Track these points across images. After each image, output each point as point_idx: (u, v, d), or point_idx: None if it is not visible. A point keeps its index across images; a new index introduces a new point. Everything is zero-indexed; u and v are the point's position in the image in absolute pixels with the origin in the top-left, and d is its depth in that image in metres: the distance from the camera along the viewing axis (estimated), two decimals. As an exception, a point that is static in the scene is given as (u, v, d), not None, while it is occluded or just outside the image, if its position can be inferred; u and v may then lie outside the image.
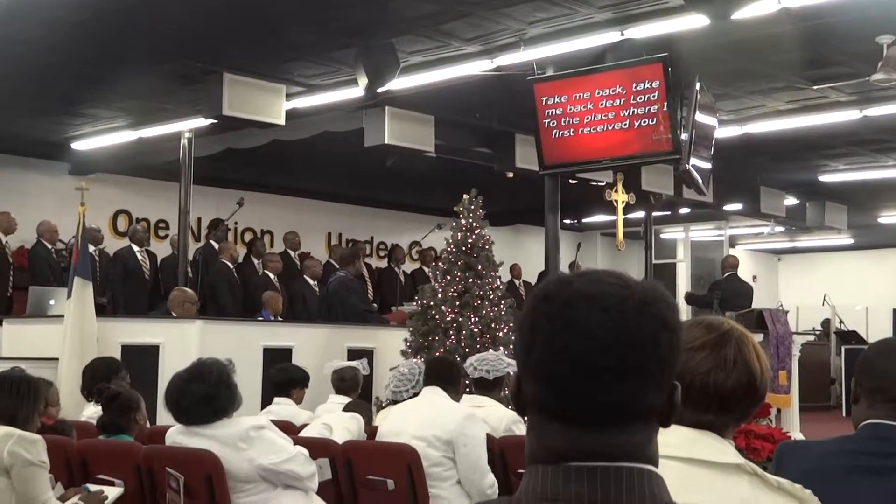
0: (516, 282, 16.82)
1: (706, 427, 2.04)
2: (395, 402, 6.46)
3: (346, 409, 6.35)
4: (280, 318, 11.49)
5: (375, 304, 13.41)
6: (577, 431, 1.33)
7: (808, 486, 2.01)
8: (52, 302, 10.63)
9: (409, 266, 17.06)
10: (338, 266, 12.44)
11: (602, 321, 1.33)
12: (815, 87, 10.98)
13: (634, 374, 1.33)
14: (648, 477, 1.34)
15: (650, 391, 1.35)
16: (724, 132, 11.60)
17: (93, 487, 4.57)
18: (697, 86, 9.57)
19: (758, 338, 10.80)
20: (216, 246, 13.63)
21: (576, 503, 1.30)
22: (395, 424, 5.42)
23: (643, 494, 1.32)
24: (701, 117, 9.69)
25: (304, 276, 13.34)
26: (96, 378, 6.46)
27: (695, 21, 8.40)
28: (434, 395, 5.44)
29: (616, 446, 1.33)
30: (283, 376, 7.34)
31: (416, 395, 6.13)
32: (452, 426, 5.14)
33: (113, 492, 4.62)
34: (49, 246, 12.91)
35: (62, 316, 9.20)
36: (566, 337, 1.33)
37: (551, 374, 1.34)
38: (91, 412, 6.24)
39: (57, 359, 8.88)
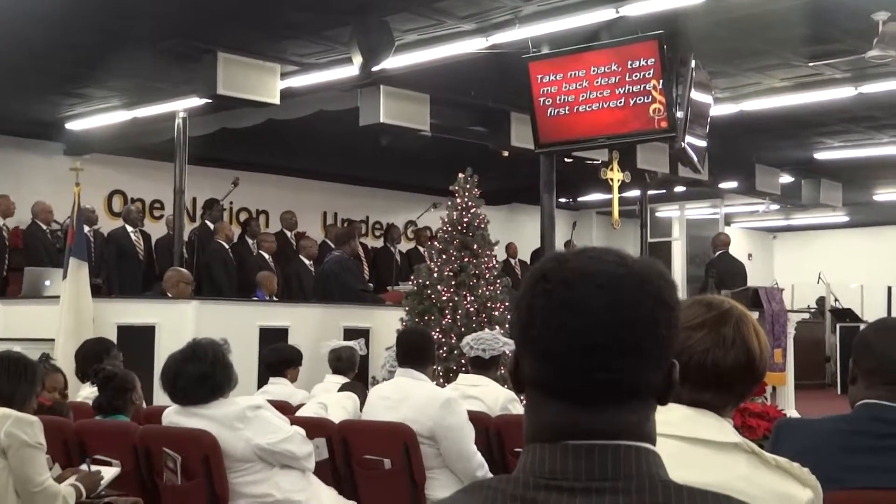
0: (512, 261, 16.81)
1: (704, 406, 2.04)
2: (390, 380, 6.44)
3: (342, 390, 6.34)
4: (275, 298, 11.49)
5: (371, 284, 13.41)
6: (574, 409, 1.33)
7: (804, 464, 2.01)
8: (47, 283, 10.60)
9: (404, 245, 17.06)
10: (333, 246, 12.43)
11: (599, 299, 1.33)
12: (811, 65, 10.97)
13: (632, 352, 1.33)
14: (646, 455, 1.34)
15: (648, 369, 1.35)
16: (719, 110, 11.59)
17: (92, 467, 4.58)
18: (693, 63, 9.56)
19: (753, 316, 10.83)
20: (211, 226, 13.61)
21: (573, 481, 1.30)
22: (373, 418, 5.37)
23: (641, 472, 1.32)
24: (696, 95, 9.68)
25: (300, 256, 13.33)
26: (88, 359, 6.46)
27: (690, -2, 8.39)
28: (408, 380, 5.31)
29: (614, 424, 1.33)
30: (275, 357, 7.33)
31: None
32: (431, 422, 5.05)
33: (110, 472, 4.62)
34: (44, 227, 12.88)
35: (58, 297, 9.20)
36: (563, 315, 1.33)
37: (549, 353, 1.34)
38: (87, 393, 6.24)
39: (53, 339, 8.88)
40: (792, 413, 9.85)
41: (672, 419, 1.89)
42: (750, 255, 20.57)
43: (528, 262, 16.83)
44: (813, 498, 1.97)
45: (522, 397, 6.03)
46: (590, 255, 1.38)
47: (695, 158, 10.10)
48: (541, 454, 1.34)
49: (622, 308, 1.33)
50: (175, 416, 4.64)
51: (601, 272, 1.35)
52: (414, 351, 5.40)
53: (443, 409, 5.08)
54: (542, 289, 1.36)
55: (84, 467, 4.56)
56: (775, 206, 19.96)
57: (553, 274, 1.36)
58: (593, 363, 1.32)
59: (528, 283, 1.39)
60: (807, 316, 15.02)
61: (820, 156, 16.00)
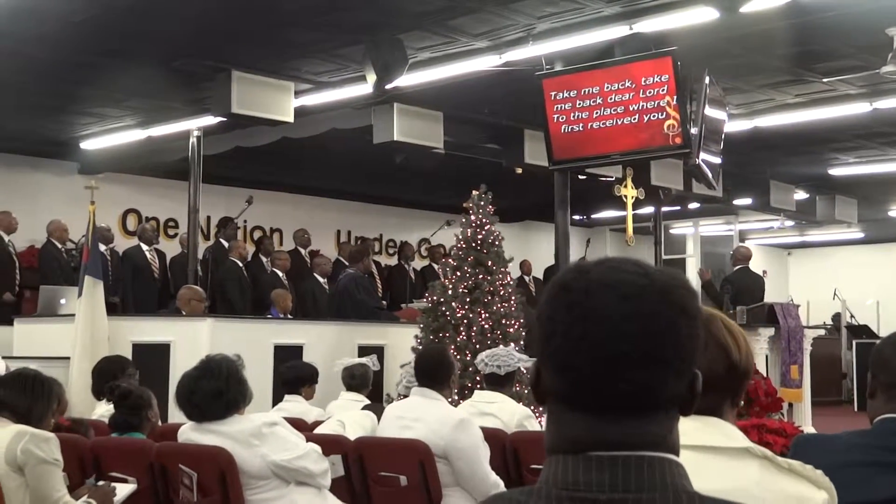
0: (526, 278, 16.82)
1: (697, 410, 2.03)
2: (406, 397, 6.44)
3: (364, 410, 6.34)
4: (289, 316, 11.50)
5: (385, 302, 13.40)
6: (596, 421, 1.33)
7: None
8: (62, 301, 10.65)
9: (418, 263, 17.06)
10: (347, 263, 12.43)
11: (621, 309, 1.32)
12: (825, 80, 10.95)
13: (654, 363, 1.32)
14: (669, 466, 1.33)
15: (670, 379, 1.34)
16: (733, 126, 11.58)
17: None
18: (707, 80, 9.55)
19: (769, 332, 10.79)
20: (226, 244, 13.64)
21: (597, 492, 1.30)
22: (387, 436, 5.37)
23: (664, 484, 1.31)
24: (710, 111, 9.68)
25: (314, 274, 13.35)
26: (104, 377, 6.46)
27: (704, 14, 8.39)
28: (422, 399, 5.29)
29: (636, 435, 1.32)
30: (292, 374, 7.34)
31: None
32: (443, 442, 5.02)
33: (125, 488, 4.62)
34: (59, 245, 12.93)
35: (73, 315, 9.22)
36: (585, 326, 1.32)
37: (570, 364, 1.33)
38: (102, 411, 6.24)
39: (68, 358, 8.91)
40: (809, 430, 9.79)
41: (680, 429, 1.88)
42: (765, 272, 20.42)
43: (542, 279, 16.84)
44: (828, 499, 1.95)
45: (538, 413, 6.02)
46: (611, 266, 1.37)
47: (709, 175, 10.09)
48: (563, 466, 1.33)
49: (644, 318, 1.32)
50: (191, 432, 4.64)
51: (623, 282, 1.34)
52: (430, 370, 5.37)
53: (456, 430, 5.05)
54: (564, 299, 1.35)
55: (90, 482, 4.56)
56: (790, 223, 19.91)
57: (574, 284, 1.35)
58: (615, 374, 1.31)
59: (548, 293, 1.38)
60: (823, 332, 14.96)
61: (835, 172, 15.95)
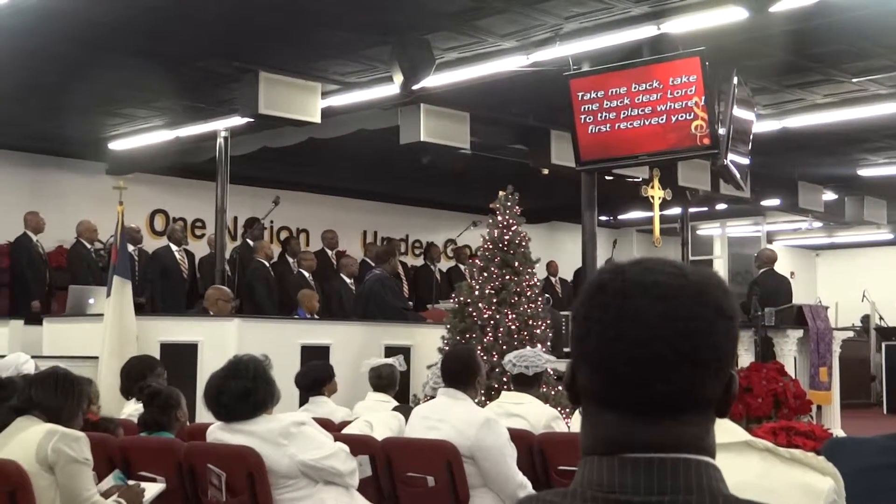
0: (552, 279, 16.79)
1: None
2: (433, 398, 6.43)
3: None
4: (316, 316, 11.51)
5: (411, 302, 13.40)
6: (632, 422, 1.32)
7: (856, 484, 1.98)
8: (91, 301, 10.71)
9: (444, 264, 17.06)
10: (373, 264, 12.45)
11: (657, 310, 1.31)
12: (854, 80, 10.88)
13: (690, 364, 1.31)
14: (705, 468, 1.32)
15: (706, 381, 1.33)
16: (761, 126, 11.52)
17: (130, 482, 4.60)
18: (735, 80, 9.50)
19: (797, 334, 10.71)
20: (252, 245, 13.68)
21: (632, 494, 1.29)
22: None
23: (700, 486, 1.30)
24: (738, 112, 9.62)
25: (341, 274, 13.36)
26: (132, 376, 6.49)
27: (732, 14, 8.35)
28: (448, 399, 5.27)
29: (672, 437, 1.31)
30: (308, 379, 7.28)
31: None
32: (469, 442, 4.99)
33: (154, 488, 4.64)
34: (88, 245, 13.01)
35: (102, 315, 9.28)
36: (621, 326, 1.31)
37: (606, 364, 1.32)
38: (131, 410, 6.26)
39: (97, 357, 8.96)
40: (838, 433, 9.72)
41: None
42: (792, 273, 20.33)
43: (572, 281, 16.81)
44: (834, 485, 1.93)
45: (566, 414, 6.00)
46: (647, 266, 1.36)
47: (737, 175, 10.03)
48: (598, 467, 1.32)
49: (681, 319, 1.31)
50: (219, 432, 4.65)
51: (659, 283, 1.33)
52: (457, 371, 5.35)
53: (481, 429, 5.03)
54: (600, 299, 1.34)
55: (109, 479, 4.58)
56: (818, 224, 19.79)
57: (610, 285, 1.34)
58: (651, 374, 1.30)
59: (584, 293, 1.37)
60: (851, 334, 14.85)
61: (864, 172, 15.85)
